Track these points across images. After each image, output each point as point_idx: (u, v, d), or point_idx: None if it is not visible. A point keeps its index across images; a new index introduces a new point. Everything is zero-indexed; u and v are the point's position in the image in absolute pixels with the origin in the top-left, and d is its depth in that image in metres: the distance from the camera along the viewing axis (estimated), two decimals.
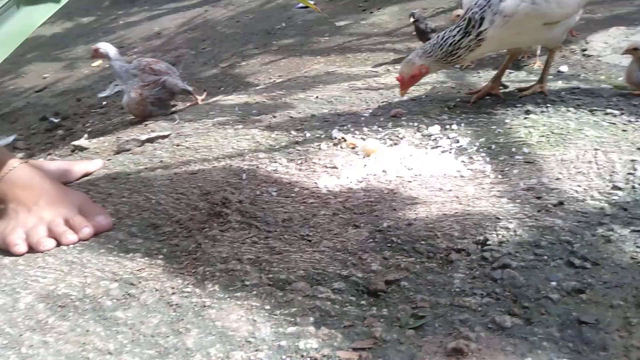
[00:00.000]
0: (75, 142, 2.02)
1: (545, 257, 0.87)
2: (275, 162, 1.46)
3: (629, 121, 1.54)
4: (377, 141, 1.48)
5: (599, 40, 2.57)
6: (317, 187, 1.29)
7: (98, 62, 4.55)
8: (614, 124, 1.52)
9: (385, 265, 0.93)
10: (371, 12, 3.87)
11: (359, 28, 3.63)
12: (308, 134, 1.70)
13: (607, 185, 1.09)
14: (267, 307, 0.88)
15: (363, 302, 0.87)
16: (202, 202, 1.25)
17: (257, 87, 2.90)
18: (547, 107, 1.72)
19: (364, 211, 1.13)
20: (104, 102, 3.49)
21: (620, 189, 1.07)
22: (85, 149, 1.94)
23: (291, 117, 2.02)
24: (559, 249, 0.89)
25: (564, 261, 0.86)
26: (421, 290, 0.87)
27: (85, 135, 2.32)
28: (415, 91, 2.14)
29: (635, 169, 1.16)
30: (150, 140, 1.91)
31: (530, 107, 1.71)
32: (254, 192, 1.28)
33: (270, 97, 2.42)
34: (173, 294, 0.95)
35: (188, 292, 0.95)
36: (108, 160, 1.74)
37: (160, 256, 1.07)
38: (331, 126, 1.82)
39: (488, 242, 0.94)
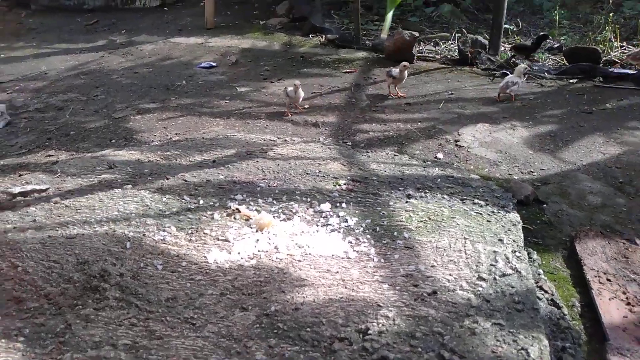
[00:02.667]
0: None
1: (420, 349, 0.94)
2: (164, 230, 1.41)
3: (492, 212, 1.75)
4: (270, 215, 1.51)
5: (468, 133, 2.93)
6: (207, 262, 1.26)
7: None
8: (480, 214, 1.72)
9: (270, 354, 0.93)
10: (271, 82, 4.01)
11: (260, 96, 3.73)
12: (202, 201, 1.68)
13: (474, 276, 1.22)
14: None
15: None
16: (77, 274, 1.14)
17: (152, 144, 2.80)
18: (425, 192, 1.89)
19: (252, 292, 1.12)
20: None
21: (484, 279, 1.20)
22: None
23: (185, 180, 1.97)
24: (432, 340, 0.96)
25: (436, 353, 0.93)
26: None
27: None
28: (310, 165, 2.23)
29: (496, 261, 1.32)
30: (24, 194, 1.75)
31: (411, 192, 1.88)
32: (137, 263, 1.20)
33: (165, 157, 2.36)
34: None
35: None
36: None
37: (21, 338, 0.95)
38: (226, 194, 1.82)
39: (369, 332, 0.98)
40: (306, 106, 3.47)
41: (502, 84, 3.30)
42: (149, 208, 1.61)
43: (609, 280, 1.58)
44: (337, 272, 1.23)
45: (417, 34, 4.11)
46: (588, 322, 1.41)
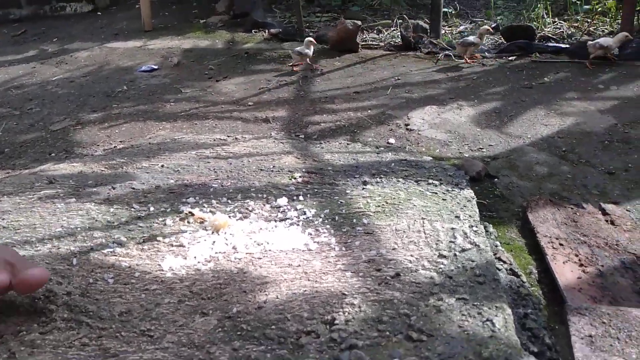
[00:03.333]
0: None
1: (388, 333, 0.93)
2: (113, 241, 1.33)
3: (447, 191, 1.77)
4: (225, 215, 1.46)
5: (417, 117, 2.96)
6: (162, 270, 1.20)
7: None
8: (436, 193, 1.74)
9: (235, 357, 0.89)
10: (217, 81, 3.92)
11: (206, 96, 3.63)
12: (152, 208, 1.60)
13: (435, 254, 1.23)
14: None
15: None
16: (19, 297, 1.06)
17: (95, 154, 2.67)
18: (380, 177, 1.89)
19: (212, 295, 1.08)
20: None
21: (445, 257, 1.21)
22: None
23: (133, 188, 1.89)
24: (399, 322, 0.95)
25: (404, 335, 0.92)
26: None
27: None
28: (263, 161, 2.18)
29: (455, 237, 1.33)
30: None
31: (367, 178, 1.87)
32: (86, 280, 1.13)
33: (110, 166, 2.25)
34: None
35: None
36: None
37: None
38: (178, 198, 1.75)
39: (336, 322, 0.96)
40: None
41: (460, 42, 3.47)
42: (96, 221, 1.52)
43: (561, 245, 1.64)
44: (299, 266, 1.20)
45: (359, 22, 4.12)
46: (546, 287, 1.45)
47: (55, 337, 0.94)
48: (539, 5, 4.18)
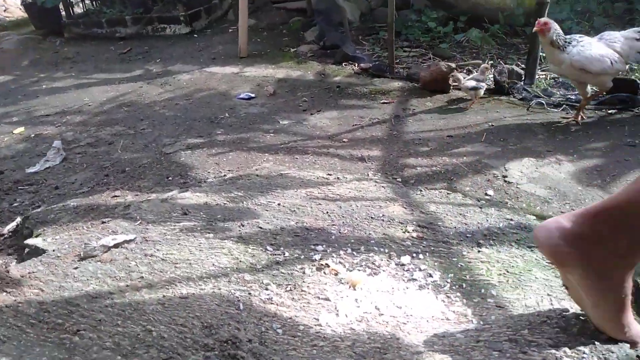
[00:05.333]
0: (30, 241, 1.89)
1: None
2: (266, 289, 1.50)
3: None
4: (360, 272, 1.59)
5: (515, 169, 2.99)
6: (320, 326, 1.34)
7: (20, 129, 4.28)
8: (552, 265, 1.79)
9: None
10: (311, 114, 4.12)
11: (302, 129, 3.84)
12: (287, 253, 1.77)
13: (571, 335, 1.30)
14: None
15: None
16: (208, 339, 1.23)
17: (210, 182, 2.91)
18: (493, 239, 1.97)
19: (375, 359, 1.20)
20: (33, 179, 3.29)
21: (584, 344, 1.27)
22: (43, 251, 1.82)
23: (260, 227, 2.07)
24: None
25: None
26: None
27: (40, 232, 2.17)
28: (371, 207, 2.31)
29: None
30: (116, 246, 1.85)
31: (480, 240, 1.95)
32: (258, 328, 1.29)
33: (230, 199, 2.46)
34: None
35: None
36: (75, 268, 1.65)
37: None
38: (305, 244, 1.91)
39: None
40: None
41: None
42: (240, 261, 1.70)
43: None
44: (444, 337, 1.31)
45: (453, 65, 4.21)
46: None
47: None
48: None
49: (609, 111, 3.67)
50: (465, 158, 3.17)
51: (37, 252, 1.83)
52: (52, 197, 2.97)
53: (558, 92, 4.03)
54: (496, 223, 2.15)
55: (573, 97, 3.89)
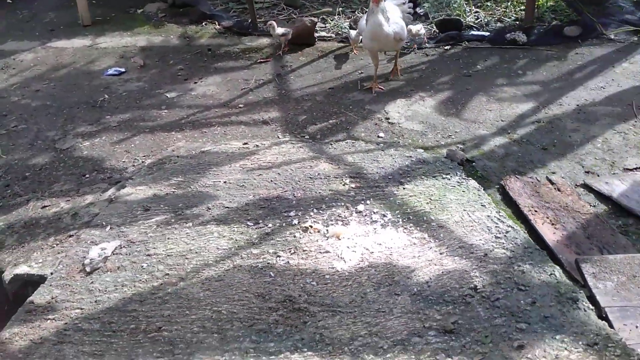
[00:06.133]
0: (17, 270, 1.92)
1: (509, 288, 1.65)
2: (278, 256, 1.87)
3: (459, 182, 2.51)
4: (339, 226, 2.05)
5: (393, 110, 3.65)
6: (338, 271, 1.78)
7: None
8: (454, 186, 2.47)
9: (425, 317, 1.55)
10: (195, 82, 4.20)
11: (193, 100, 3.94)
12: (269, 224, 2.14)
13: (492, 237, 1.96)
14: None
15: None
16: (269, 303, 1.59)
17: (134, 172, 2.98)
18: (407, 176, 2.58)
19: (385, 280, 1.69)
20: None
21: (499, 237, 1.93)
22: (40, 276, 1.89)
23: (227, 207, 2.36)
24: (511, 281, 1.67)
25: (517, 285, 1.65)
26: None
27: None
28: (303, 169, 2.74)
29: (495, 222, 2.07)
30: (112, 254, 2.01)
31: (400, 179, 2.55)
32: (296, 285, 1.68)
33: (175, 186, 2.64)
34: None
35: None
36: (92, 283, 1.80)
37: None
38: (275, 213, 2.27)
39: (478, 287, 1.65)
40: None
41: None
42: (236, 240, 2.02)
43: (536, 211, 2.48)
44: (420, 256, 1.87)
45: (316, 19, 4.62)
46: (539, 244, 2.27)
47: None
48: None
49: (445, 47, 4.52)
50: (351, 107, 3.72)
51: (33, 278, 1.89)
52: None
53: None
54: (402, 162, 2.76)
55: (418, 38, 4.63)
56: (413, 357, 1.40)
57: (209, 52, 4.73)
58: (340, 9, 5.28)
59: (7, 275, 1.91)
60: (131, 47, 4.92)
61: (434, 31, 4.71)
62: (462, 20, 4.65)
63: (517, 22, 4.73)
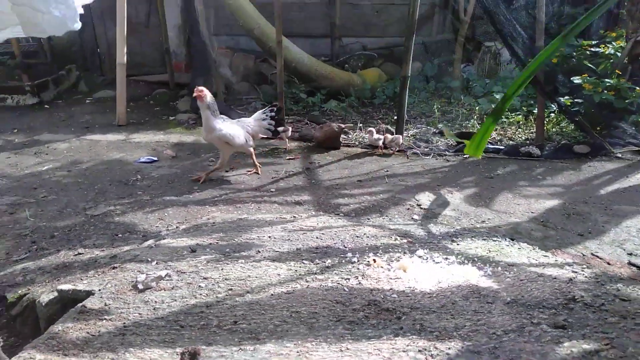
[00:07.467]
0: (64, 287, 1.77)
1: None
2: (347, 279, 1.76)
3: (510, 244, 2.48)
4: (405, 260, 1.98)
5: (424, 199, 3.72)
6: (417, 289, 1.66)
7: None
8: (508, 245, 2.43)
9: (529, 316, 1.42)
10: (227, 171, 4.34)
11: (224, 184, 4.02)
12: (327, 261, 2.05)
13: (568, 271, 1.89)
14: None
15: None
16: (353, 306, 1.45)
17: (168, 233, 2.92)
18: (458, 237, 2.55)
19: (468, 310, 1.58)
20: None
21: (577, 272, 1.87)
22: (87, 291, 1.74)
23: (277, 251, 2.28)
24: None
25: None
26: None
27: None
28: (347, 232, 2.70)
29: (569, 263, 2.01)
30: (160, 278, 1.88)
31: (453, 238, 2.51)
32: (374, 297, 1.56)
33: (219, 238, 2.56)
34: None
35: None
36: (147, 297, 1.65)
37: None
38: (330, 255, 2.19)
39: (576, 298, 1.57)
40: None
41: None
42: (295, 270, 1.92)
43: None
44: (500, 282, 1.77)
45: (343, 125, 4.95)
46: None
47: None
48: (473, 117, 5.46)
49: (464, 156, 4.78)
50: (381, 195, 3.79)
51: (79, 295, 1.72)
52: None
53: (422, 145, 5.07)
54: (447, 230, 2.75)
55: (435, 148, 4.93)
56: (533, 339, 1.25)
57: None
58: (361, 125, 5.68)
59: (46, 297, 1.75)
60: (164, 142, 5.16)
61: (450, 143, 5.02)
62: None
63: (528, 141, 5.09)
